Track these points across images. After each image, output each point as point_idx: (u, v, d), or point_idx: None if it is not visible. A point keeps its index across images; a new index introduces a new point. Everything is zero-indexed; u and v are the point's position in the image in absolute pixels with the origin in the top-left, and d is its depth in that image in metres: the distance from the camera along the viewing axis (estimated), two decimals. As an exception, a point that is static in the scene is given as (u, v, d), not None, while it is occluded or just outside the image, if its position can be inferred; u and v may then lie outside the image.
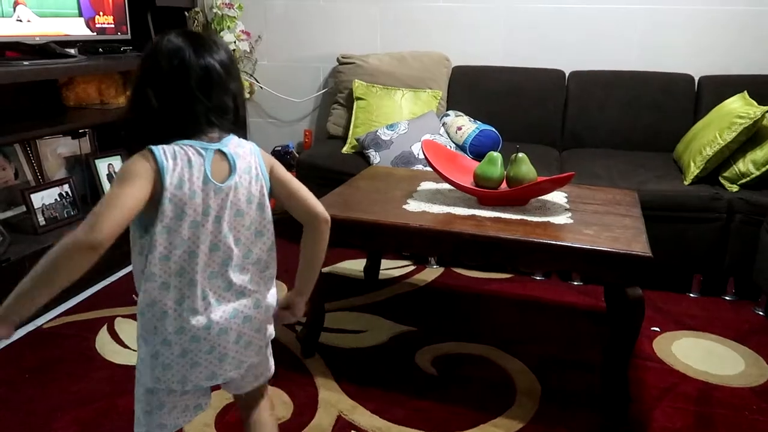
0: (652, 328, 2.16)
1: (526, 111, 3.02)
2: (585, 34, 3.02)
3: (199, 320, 1.04)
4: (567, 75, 3.03)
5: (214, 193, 1.01)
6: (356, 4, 3.25)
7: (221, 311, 1.06)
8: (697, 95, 2.87)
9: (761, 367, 1.94)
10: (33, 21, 2.28)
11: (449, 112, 3.00)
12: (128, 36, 2.75)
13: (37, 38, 2.32)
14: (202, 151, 1.01)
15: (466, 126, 2.81)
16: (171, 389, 1.09)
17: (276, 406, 1.70)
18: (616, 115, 2.94)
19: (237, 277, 1.08)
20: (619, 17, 2.96)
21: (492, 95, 3.05)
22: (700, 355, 2.00)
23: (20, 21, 2.23)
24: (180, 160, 0.99)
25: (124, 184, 0.96)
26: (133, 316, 2.20)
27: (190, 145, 1.01)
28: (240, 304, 1.09)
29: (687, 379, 1.87)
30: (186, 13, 3.17)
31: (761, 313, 2.29)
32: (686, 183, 2.46)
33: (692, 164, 2.47)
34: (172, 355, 1.05)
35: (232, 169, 1.04)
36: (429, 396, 1.76)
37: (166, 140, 1.01)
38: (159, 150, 0.98)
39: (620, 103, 2.94)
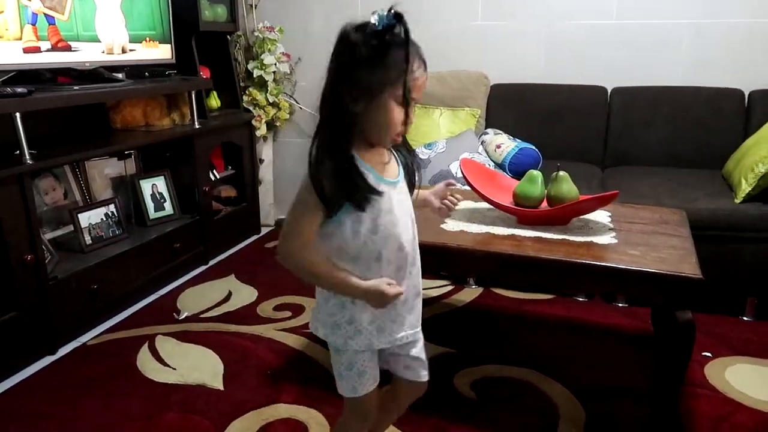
0: (704, 354, 2.06)
1: (567, 129, 2.96)
2: (627, 50, 2.95)
3: None
4: (609, 92, 2.97)
5: None
6: (394, 24, 3.27)
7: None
8: (747, 110, 2.77)
9: (824, 397, 1.82)
10: (83, 48, 2.37)
11: (488, 130, 2.97)
12: (173, 60, 2.83)
13: (87, 64, 2.41)
14: None
15: (506, 144, 2.77)
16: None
17: (311, 427, 1.68)
18: (662, 132, 2.86)
19: None
20: (664, 32, 2.89)
21: (532, 113, 3.00)
22: (756, 382, 1.89)
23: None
24: None
25: None
26: (172, 334, 2.23)
27: None
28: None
29: (743, 408, 1.77)
30: (228, 36, 3.24)
31: (823, 338, 2.17)
32: (737, 201, 2.35)
33: (744, 182, 2.37)
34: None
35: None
36: (468, 420, 1.71)
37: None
38: None
39: (665, 120, 2.85)
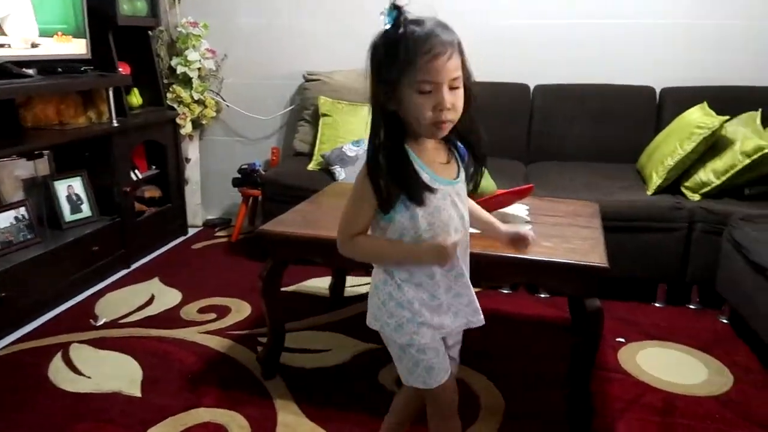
0: (617, 339, 2.15)
1: (493, 125, 2.96)
2: (549, 48, 3.04)
3: None
4: (532, 89, 3.05)
5: None
6: (322, 21, 3.25)
7: None
8: (659, 107, 2.91)
9: (725, 375, 1.94)
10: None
11: (415, 127, 2.99)
12: (88, 55, 2.71)
13: (-8, 59, 2.27)
14: None
15: (432, 141, 2.80)
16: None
17: (232, 430, 1.65)
18: (582, 127, 2.97)
19: None
20: (583, 32, 2.99)
21: (458, 110, 3.05)
22: (664, 365, 2.00)
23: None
24: None
25: None
26: (88, 342, 2.13)
27: None
28: None
29: (651, 389, 1.86)
30: (149, 32, 3.13)
31: (725, 321, 2.30)
32: (649, 193, 2.47)
33: (654, 175, 2.49)
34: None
35: None
36: (391, 415, 1.72)
37: None
38: None
39: (585, 116, 2.96)
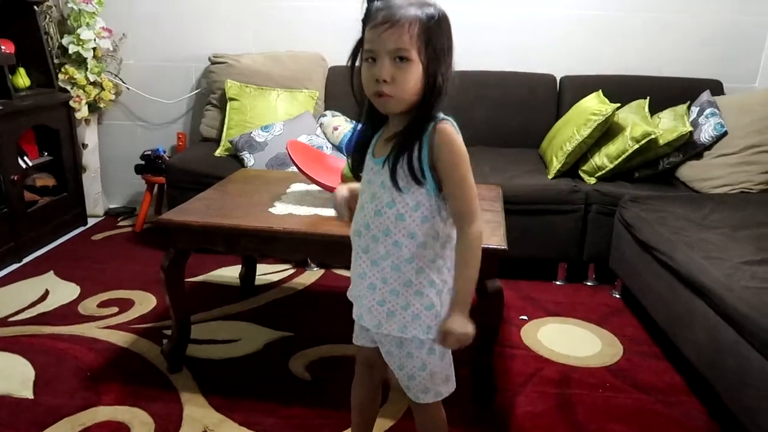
0: (521, 317, 2.25)
1: (403, 110, 3.05)
2: (455, 36, 3.09)
3: None
4: (440, 75, 3.10)
5: None
6: (229, 1, 3.14)
7: None
8: (559, 94, 3.05)
9: (616, 346, 2.08)
10: None
11: (326, 112, 2.97)
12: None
13: None
14: None
15: (342, 126, 2.80)
16: None
17: (134, 427, 1.59)
18: (488, 113, 3.05)
19: None
20: (487, 20, 3.07)
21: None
22: (562, 339, 2.11)
23: None
24: None
25: (470, 167, 1.11)
26: (-27, 343, 1.98)
27: None
28: None
29: (550, 363, 1.96)
30: (36, 7, 2.90)
31: (617, 296, 2.47)
32: (550, 177, 2.59)
33: (554, 159, 2.61)
34: None
35: None
36: (302, 402, 1.72)
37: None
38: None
39: (491, 103, 3.05)
